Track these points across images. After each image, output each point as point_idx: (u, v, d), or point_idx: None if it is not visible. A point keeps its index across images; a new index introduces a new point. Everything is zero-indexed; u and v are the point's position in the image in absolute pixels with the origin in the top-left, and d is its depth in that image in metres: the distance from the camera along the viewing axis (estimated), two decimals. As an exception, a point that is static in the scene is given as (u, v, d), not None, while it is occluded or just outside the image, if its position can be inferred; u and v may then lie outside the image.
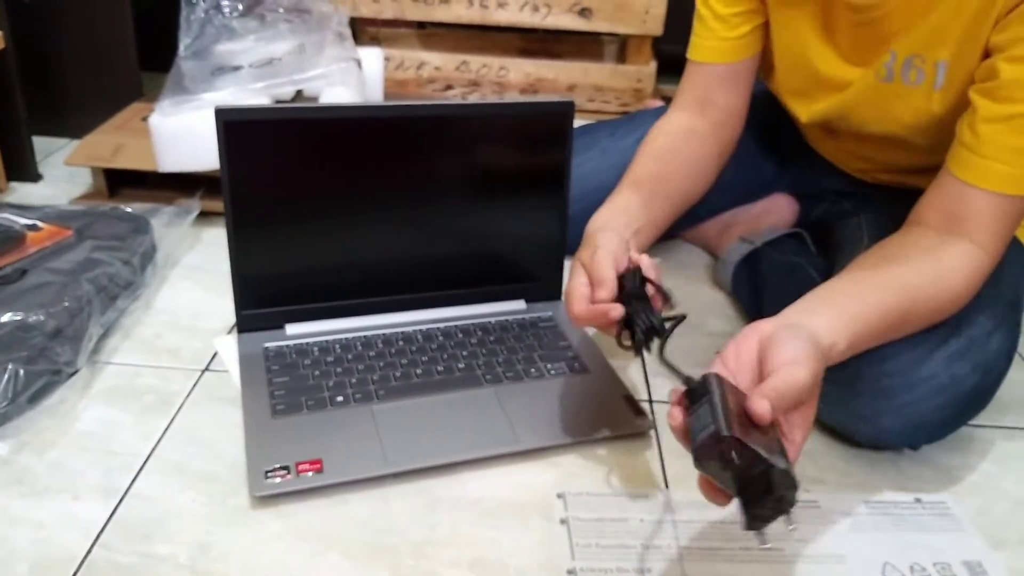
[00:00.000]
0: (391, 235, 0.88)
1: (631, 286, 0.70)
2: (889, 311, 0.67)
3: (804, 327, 0.61)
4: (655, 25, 1.62)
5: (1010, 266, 0.81)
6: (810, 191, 1.08)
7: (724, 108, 0.93)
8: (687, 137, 0.92)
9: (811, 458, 0.78)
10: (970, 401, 0.75)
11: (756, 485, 0.52)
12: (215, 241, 1.12)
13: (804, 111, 0.91)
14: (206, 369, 0.86)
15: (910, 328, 0.72)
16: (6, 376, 0.76)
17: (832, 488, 0.75)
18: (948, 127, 0.75)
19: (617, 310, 0.69)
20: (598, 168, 1.08)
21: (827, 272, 0.90)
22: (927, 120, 0.79)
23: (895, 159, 0.87)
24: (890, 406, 0.74)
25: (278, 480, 0.69)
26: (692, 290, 1.08)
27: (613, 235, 0.74)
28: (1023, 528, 0.72)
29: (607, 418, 0.79)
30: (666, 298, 0.72)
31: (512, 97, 1.70)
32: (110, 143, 1.20)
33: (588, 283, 0.71)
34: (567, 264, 0.96)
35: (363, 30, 1.74)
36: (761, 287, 0.98)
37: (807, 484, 0.75)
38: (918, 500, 0.74)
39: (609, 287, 0.69)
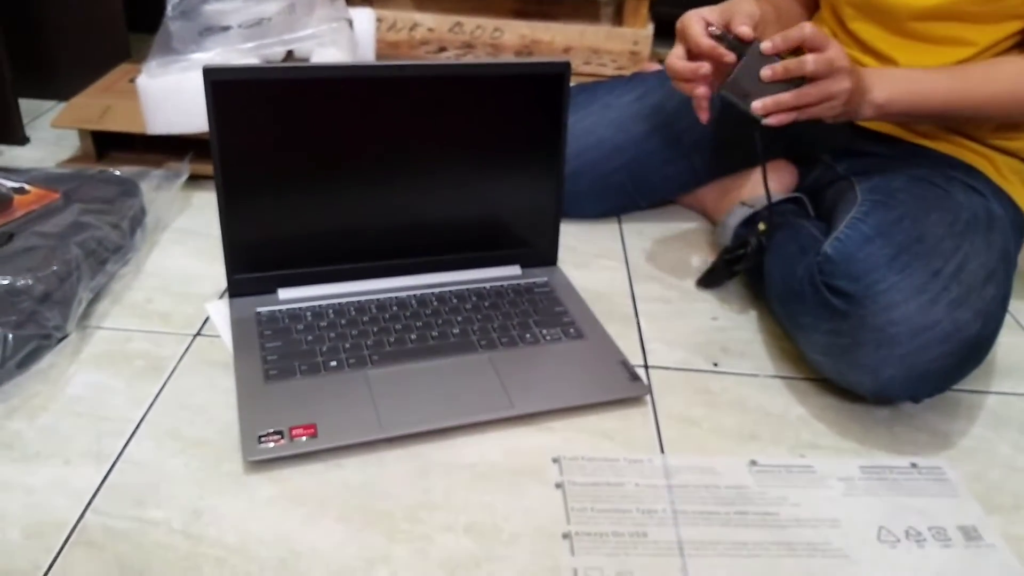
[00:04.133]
0: (384, 198, 0.86)
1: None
2: (937, 79, 0.81)
3: None
4: (653, -14, 1.59)
5: (1002, 220, 0.82)
6: (804, 154, 1.07)
7: None
8: None
9: (805, 423, 0.78)
10: (971, 350, 0.75)
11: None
12: (205, 205, 1.11)
13: None
14: (198, 334, 0.85)
15: (968, 104, 0.82)
16: (-6, 341, 0.75)
17: (827, 452, 0.75)
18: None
19: (705, 67, 0.80)
20: (598, 123, 1.07)
21: (827, 233, 0.90)
22: None
23: (920, 57, 0.88)
24: (894, 355, 0.73)
25: (271, 445, 0.68)
26: (690, 255, 1.07)
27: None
28: (1018, 493, 0.72)
29: (603, 383, 0.79)
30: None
31: (507, 58, 1.67)
32: (98, 105, 1.17)
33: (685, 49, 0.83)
34: (563, 229, 0.95)
35: (355, -10, 1.71)
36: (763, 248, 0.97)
37: (802, 449, 0.75)
38: (913, 465, 0.74)
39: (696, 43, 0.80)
